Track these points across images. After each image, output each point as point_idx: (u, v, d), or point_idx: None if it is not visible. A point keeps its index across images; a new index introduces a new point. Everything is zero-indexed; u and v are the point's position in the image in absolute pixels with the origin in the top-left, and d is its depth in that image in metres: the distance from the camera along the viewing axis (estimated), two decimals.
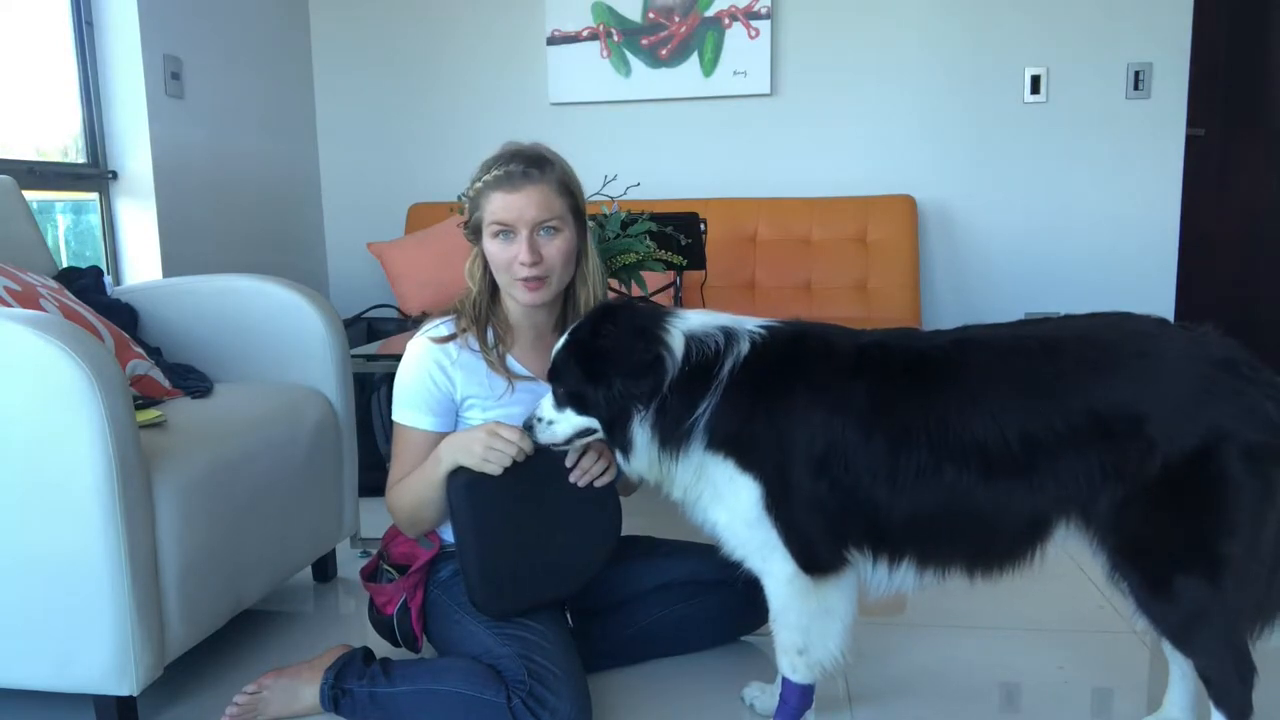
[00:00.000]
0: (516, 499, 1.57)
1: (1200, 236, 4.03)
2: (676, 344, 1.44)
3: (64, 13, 3.00)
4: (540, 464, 1.57)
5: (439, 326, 1.70)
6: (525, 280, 1.61)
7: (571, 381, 1.48)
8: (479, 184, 1.63)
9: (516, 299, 1.66)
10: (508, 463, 1.54)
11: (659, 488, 1.54)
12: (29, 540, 1.49)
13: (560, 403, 1.51)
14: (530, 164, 1.60)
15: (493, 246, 1.63)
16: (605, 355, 1.45)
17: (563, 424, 1.52)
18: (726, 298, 3.54)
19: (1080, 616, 2.04)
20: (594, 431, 1.52)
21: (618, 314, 1.50)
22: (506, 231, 1.60)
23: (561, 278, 1.65)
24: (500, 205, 1.59)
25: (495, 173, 1.61)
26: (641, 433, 1.44)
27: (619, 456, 1.50)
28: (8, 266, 1.88)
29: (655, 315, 1.50)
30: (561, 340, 1.52)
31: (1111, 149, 3.66)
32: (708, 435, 1.43)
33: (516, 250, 1.59)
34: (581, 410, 1.50)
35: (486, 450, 1.54)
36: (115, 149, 3.13)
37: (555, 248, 1.61)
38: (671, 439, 1.44)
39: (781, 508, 1.42)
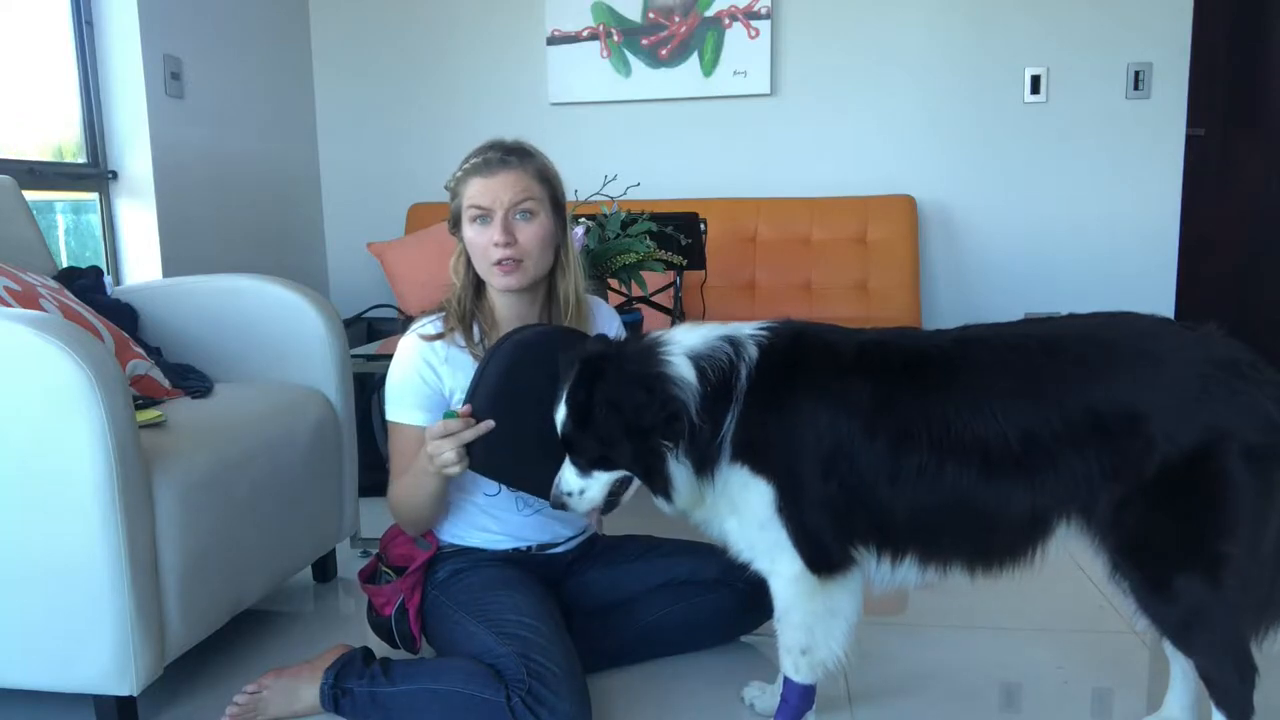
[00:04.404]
0: (541, 389, 1.50)
1: (1200, 236, 4.03)
2: (684, 371, 1.39)
3: (64, 13, 3.00)
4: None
5: (427, 325, 1.71)
6: (500, 263, 1.62)
7: (591, 450, 1.43)
8: (458, 173, 1.67)
9: (493, 284, 1.68)
10: (453, 456, 1.51)
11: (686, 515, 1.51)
12: (29, 540, 1.49)
13: (584, 470, 1.46)
14: (508, 152, 1.65)
15: (470, 232, 1.65)
16: (612, 417, 1.38)
17: (594, 487, 1.47)
18: (726, 298, 3.55)
19: (1080, 616, 2.04)
20: (627, 477, 1.47)
21: (605, 369, 1.40)
22: (483, 216, 1.63)
23: (538, 264, 1.66)
24: (477, 189, 1.63)
25: (474, 160, 1.65)
26: (679, 469, 1.41)
27: (660, 501, 1.46)
28: (8, 266, 1.88)
29: (646, 352, 1.42)
30: (561, 410, 1.43)
31: (1111, 149, 3.66)
32: (732, 447, 1.42)
33: (492, 233, 1.62)
34: (610, 469, 1.45)
35: (429, 462, 1.54)
36: (115, 149, 3.13)
37: (531, 232, 1.63)
38: (707, 462, 1.41)
39: (792, 508, 1.42)
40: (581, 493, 1.47)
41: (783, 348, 1.45)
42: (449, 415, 1.55)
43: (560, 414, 1.44)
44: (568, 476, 1.48)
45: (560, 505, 1.50)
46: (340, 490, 2.20)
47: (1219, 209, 4.27)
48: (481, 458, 1.55)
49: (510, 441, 1.54)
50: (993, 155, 3.74)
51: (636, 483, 1.48)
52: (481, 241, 1.63)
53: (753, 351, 1.43)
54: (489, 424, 1.52)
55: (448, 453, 1.52)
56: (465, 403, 1.56)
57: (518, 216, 1.62)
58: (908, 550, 1.44)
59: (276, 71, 3.90)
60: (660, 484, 1.43)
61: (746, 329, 1.47)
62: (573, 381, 1.42)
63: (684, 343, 1.43)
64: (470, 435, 1.52)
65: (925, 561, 1.44)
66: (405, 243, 3.68)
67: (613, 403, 1.38)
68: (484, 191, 1.62)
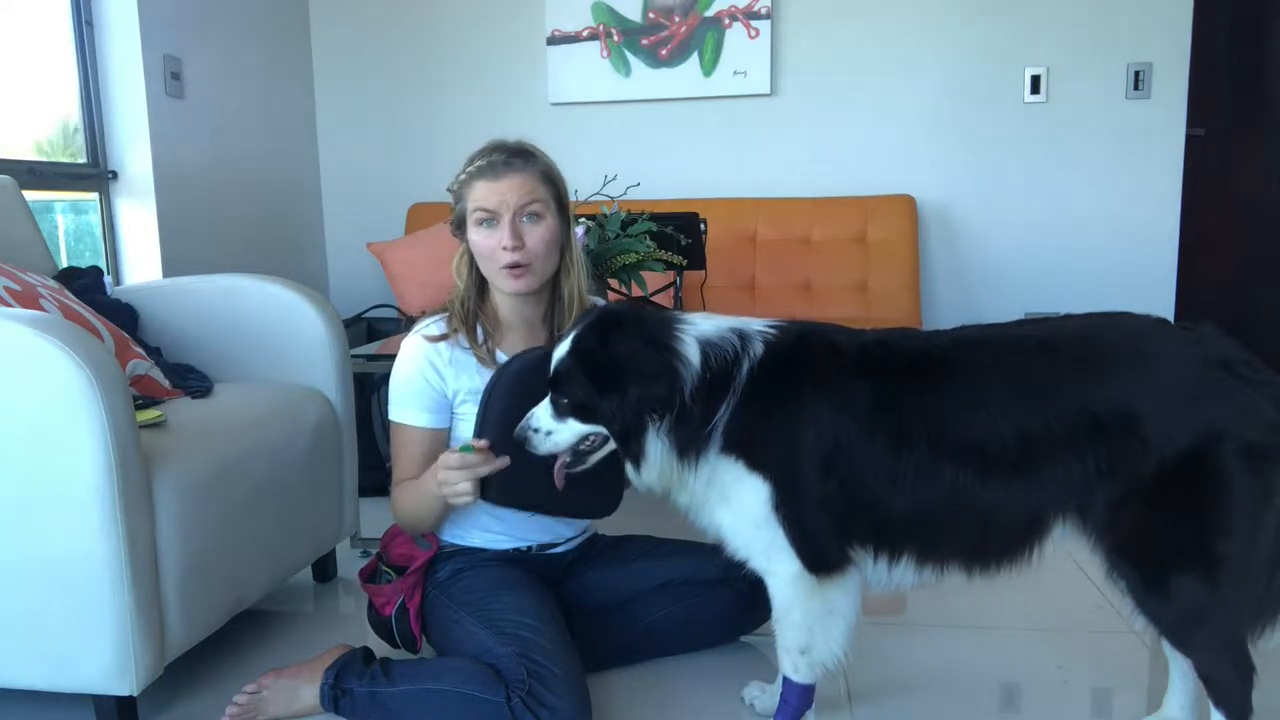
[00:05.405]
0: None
1: (1200, 236, 4.03)
2: (691, 352, 1.41)
3: (64, 13, 3.00)
4: None
5: (431, 325, 1.71)
6: (509, 268, 1.62)
7: (579, 394, 1.44)
8: (463, 176, 1.67)
9: (501, 288, 1.68)
10: (468, 487, 1.53)
11: (665, 494, 1.51)
12: (29, 540, 1.49)
13: (562, 413, 1.47)
14: (513, 154, 1.65)
15: (476, 236, 1.65)
16: (616, 367, 1.40)
17: (564, 433, 1.48)
18: (726, 298, 3.55)
19: (1080, 616, 2.04)
20: (601, 436, 1.48)
21: (624, 322, 1.45)
22: (489, 219, 1.62)
23: (545, 266, 1.67)
24: (483, 192, 1.62)
25: (479, 163, 1.65)
26: (657, 443, 1.41)
27: (629, 468, 1.47)
28: (8, 266, 1.88)
29: (664, 322, 1.46)
30: (564, 347, 1.47)
31: (1111, 149, 3.66)
32: (723, 438, 1.42)
33: (499, 237, 1.61)
34: (587, 420, 1.46)
35: (441, 488, 1.55)
36: (115, 149, 3.13)
37: (538, 235, 1.63)
38: (691, 447, 1.41)
39: (789, 507, 1.42)
40: (549, 434, 1.48)
41: (787, 345, 1.45)
42: (465, 449, 1.55)
43: (561, 349, 1.46)
44: (540, 413, 1.49)
45: (523, 439, 1.49)
46: (340, 490, 2.20)
47: (1219, 209, 4.27)
48: (496, 489, 1.57)
49: (523, 470, 1.54)
50: (993, 155, 3.74)
51: (609, 447, 1.49)
52: (489, 244, 1.63)
53: (758, 347, 1.44)
54: (505, 460, 1.53)
55: (463, 484, 1.53)
56: (475, 435, 1.56)
57: (525, 219, 1.62)
58: (905, 550, 1.44)
59: (276, 71, 3.90)
60: (633, 451, 1.43)
61: (756, 324, 1.48)
62: (587, 324, 1.46)
63: (699, 326, 1.46)
64: (486, 469, 1.53)
65: (922, 561, 1.45)
66: (405, 243, 3.69)
67: (620, 352, 1.40)
68: (490, 195, 1.62)
